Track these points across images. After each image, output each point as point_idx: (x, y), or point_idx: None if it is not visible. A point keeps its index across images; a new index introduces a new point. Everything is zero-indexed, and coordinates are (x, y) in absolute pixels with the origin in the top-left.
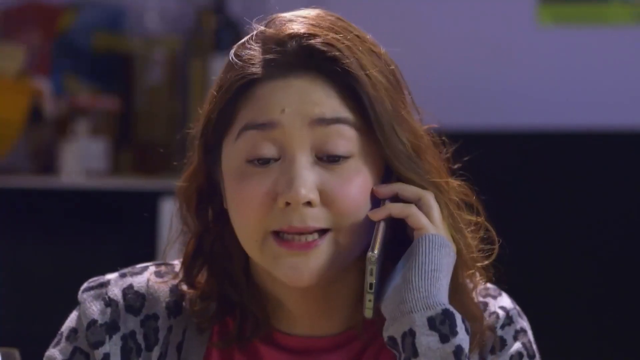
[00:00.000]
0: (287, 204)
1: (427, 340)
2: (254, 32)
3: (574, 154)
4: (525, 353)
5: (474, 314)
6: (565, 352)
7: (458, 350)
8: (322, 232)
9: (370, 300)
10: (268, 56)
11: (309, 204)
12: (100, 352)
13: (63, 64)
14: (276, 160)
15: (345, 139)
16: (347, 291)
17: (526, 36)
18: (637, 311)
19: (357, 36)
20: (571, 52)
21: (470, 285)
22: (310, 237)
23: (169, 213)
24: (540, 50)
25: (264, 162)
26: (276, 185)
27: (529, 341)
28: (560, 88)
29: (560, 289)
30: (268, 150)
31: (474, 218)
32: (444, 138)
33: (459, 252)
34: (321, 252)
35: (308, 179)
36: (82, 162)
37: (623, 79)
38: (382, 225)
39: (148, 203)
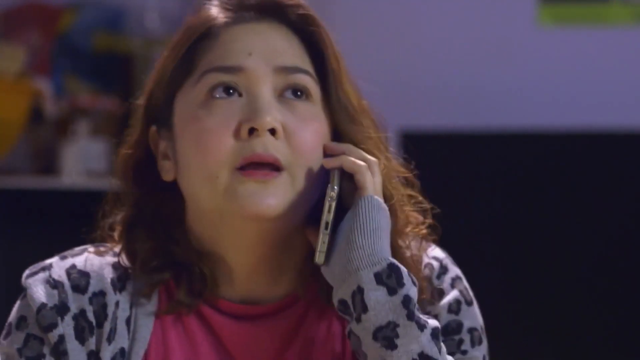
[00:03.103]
0: (252, 130)
1: (375, 295)
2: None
3: (574, 154)
4: (462, 299)
5: (414, 273)
6: (566, 352)
7: (406, 299)
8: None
9: (324, 242)
10: (228, 10)
11: (272, 133)
12: (54, 334)
13: (63, 64)
14: (240, 95)
15: (307, 83)
16: (293, 256)
17: (526, 36)
18: (637, 311)
19: None
20: (571, 53)
21: (405, 247)
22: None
23: None
24: (541, 51)
25: (227, 89)
26: (239, 117)
27: (465, 288)
28: (561, 88)
29: (558, 289)
30: (232, 84)
31: (408, 191)
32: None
33: (396, 218)
34: (279, 185)
35: (273, 109)
36: (83, 162)
37: (623, 80)
38: (337, 172)
39: None
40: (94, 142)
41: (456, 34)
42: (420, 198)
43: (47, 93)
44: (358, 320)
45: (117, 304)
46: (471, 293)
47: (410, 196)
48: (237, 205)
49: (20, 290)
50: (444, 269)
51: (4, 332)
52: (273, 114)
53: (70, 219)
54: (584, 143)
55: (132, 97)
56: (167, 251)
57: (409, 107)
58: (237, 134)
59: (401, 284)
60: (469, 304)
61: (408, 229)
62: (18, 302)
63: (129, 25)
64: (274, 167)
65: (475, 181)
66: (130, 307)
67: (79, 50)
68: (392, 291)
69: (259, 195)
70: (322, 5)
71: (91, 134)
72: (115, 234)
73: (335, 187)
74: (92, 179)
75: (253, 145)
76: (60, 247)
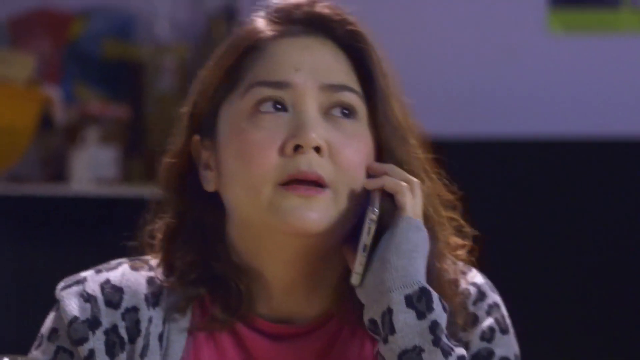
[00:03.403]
0: (297, 147)
1: (404, 317)
2: (257, 12)
3: (584, 162)
4: (497, 328)
5: (448, 298)
6: (567, 352)
7: (434, 325)
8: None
9: (361, 264)
10: (275, 24)
11: (317, 150)
12: (84, 348)
13: (73, 71)
14: (286, 110)
15: (353, 101)
16: (330, 274)
17: (536, 43)
18: (637, 318)
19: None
20: (581, 60)
21: (444, 272)
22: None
23: None
24: (551, 58)
25: (275, 104)
26: (285, 133)
27: (502, 316)
28: (571, 95)
29: (560, 292)
30: (279, 99)
31: (450, 214)
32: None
33: (435, 241)
34: (322, 201)
35: (318, 126)
36: (93, 169)
37: (634, 87)
38: (378, 193)
39: None
40: (103, 149)
41: (465, 40)
42: (462, 222)
43: (57, 100)
44: (385, 341)
45: (150, 319)
46: (508, 321)
47: (452, 218)
48: (280, 220)
49: (31, 296)
50: (481, 295)
51: (35, 343)
52: (318, 132)
53: (80, 226)
54: (594, 151)
55: (142, 104)
56: (206, 265)
57: (416, 113)
58: (282, 150)
59: (430, 309)
60: (504, 332)
61: (446, 252)
62: (51, 314)
63: (138, 32)
64: (318, 184)
65: (481, 188)
66: (163, 323)
67: (89, 58)
68: (420, 315)
69: (302, 209)
70: None
71: (101, 141)
72: (155, 242)
73: (376, 209)
74: (102, 186)
75: (297, 163)
76: (70, 254)
